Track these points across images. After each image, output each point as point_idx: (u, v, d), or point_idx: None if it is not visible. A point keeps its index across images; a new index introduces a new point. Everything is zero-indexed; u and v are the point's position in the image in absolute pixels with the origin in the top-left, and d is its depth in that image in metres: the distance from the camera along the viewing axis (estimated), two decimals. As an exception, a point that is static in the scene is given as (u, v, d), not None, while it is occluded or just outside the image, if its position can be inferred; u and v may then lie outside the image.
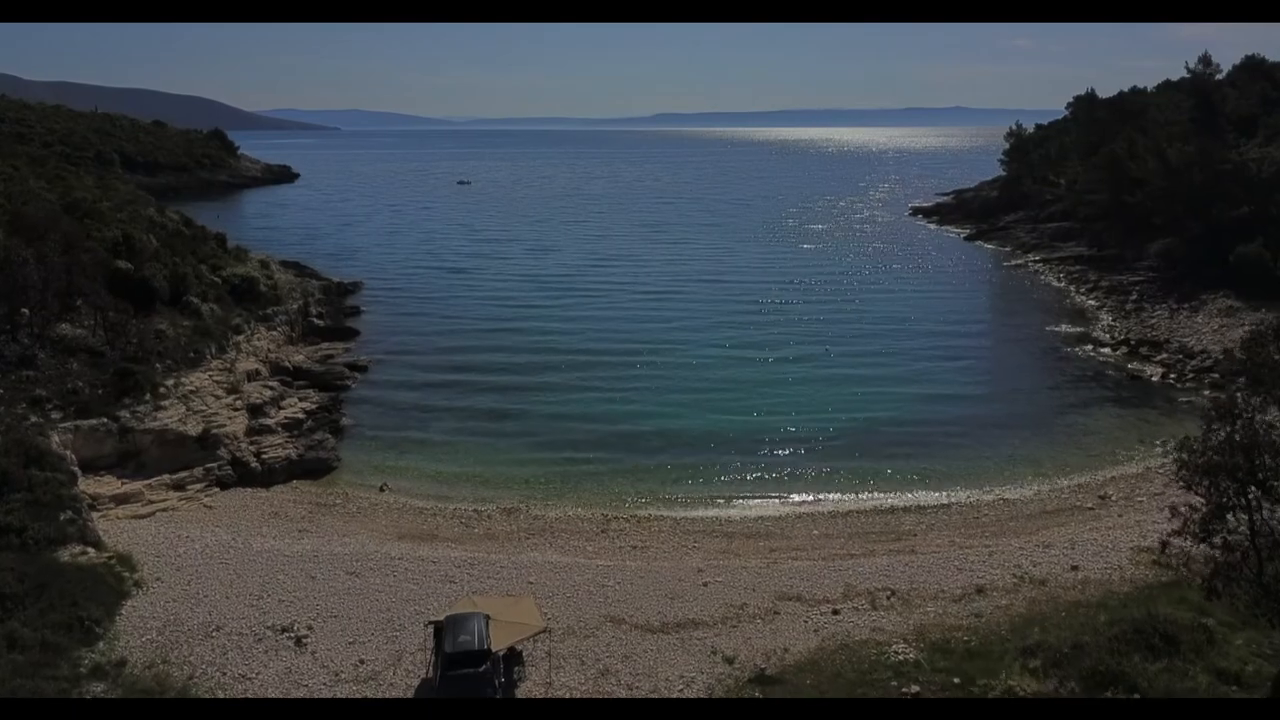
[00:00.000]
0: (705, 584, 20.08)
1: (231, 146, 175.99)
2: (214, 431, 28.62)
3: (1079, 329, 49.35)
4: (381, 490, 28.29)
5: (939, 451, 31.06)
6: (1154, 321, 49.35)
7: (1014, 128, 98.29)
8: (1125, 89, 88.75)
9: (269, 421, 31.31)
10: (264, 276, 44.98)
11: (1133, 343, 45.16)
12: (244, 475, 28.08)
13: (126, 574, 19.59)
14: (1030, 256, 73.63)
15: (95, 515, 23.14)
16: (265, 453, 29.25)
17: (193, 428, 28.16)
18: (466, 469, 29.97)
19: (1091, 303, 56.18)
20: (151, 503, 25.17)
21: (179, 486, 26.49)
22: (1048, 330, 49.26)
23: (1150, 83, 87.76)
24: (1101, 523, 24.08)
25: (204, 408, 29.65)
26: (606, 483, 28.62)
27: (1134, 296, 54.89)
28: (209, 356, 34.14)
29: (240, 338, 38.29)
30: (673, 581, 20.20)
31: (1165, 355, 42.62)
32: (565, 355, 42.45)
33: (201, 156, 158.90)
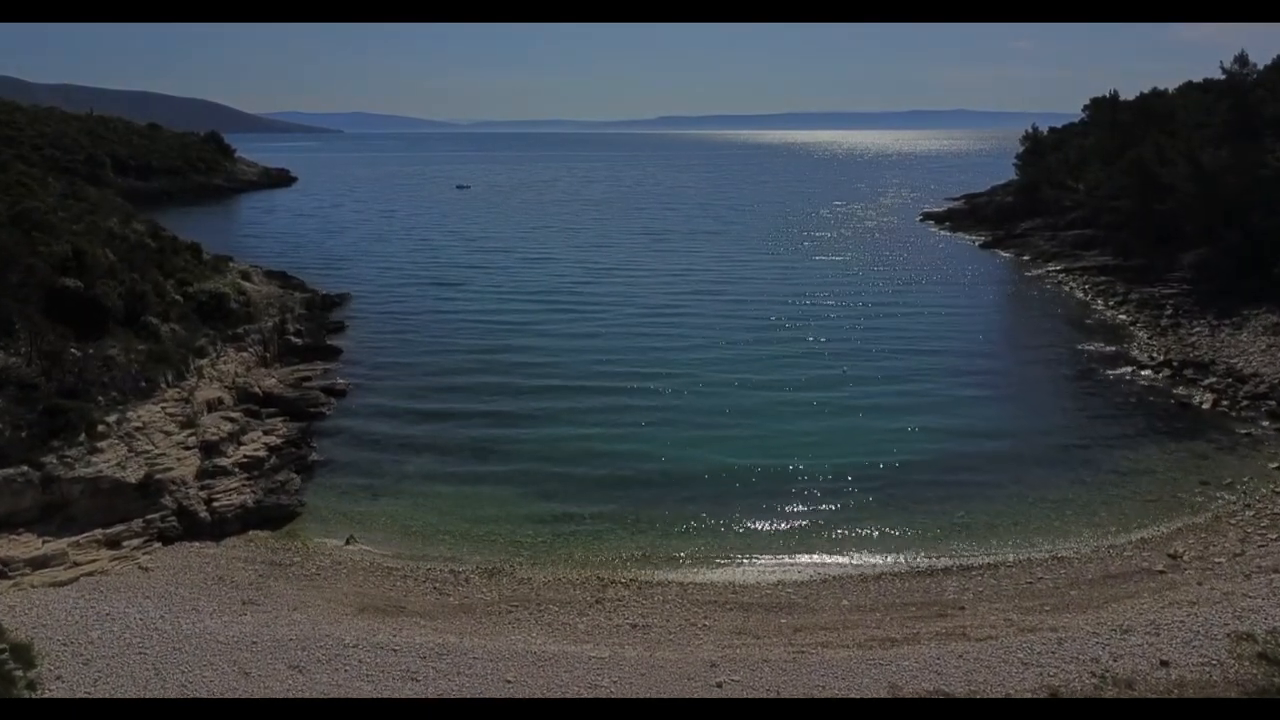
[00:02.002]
0: (719, 684, 16.64)
1: (228, 150, 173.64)
2: (158, 477, 25.20)
3: (1113, 348, 45.87)
4: (348, 543, 24.88)
5: (977, 497, 27.61)
6: (1194, 340, 45.87)
7: (1030, 130, 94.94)
8: (1125, 91, 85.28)
9: (225, 461, 27.83)
10: (236, 292, 41.62)
11: (1175, 364, 41.60)
12: (191, 527, 24.65)
13: (20, 672, 16.12)
14: (1050, 266, 70.20)
15: (4, 585, 19.83)
16: (217, 499, 25.80)
17: (133, 473, 24.75)
18: (446, 516, 26.54)
19: (1123, 317, 52.71)
20: (76, 565, 21.76)
21: (112, 544, 23.09)
22: (1080, 349, 45.79)
23: (1152, 85, 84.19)
24: (1180, 594, 20.62)
25: (149, 448, 26.23)
26: (604, 536, 25.19)
27: (1169, 311, 51.43)
28: (164, 385, 30.73)
29: (204, 361, 34.92)
30: (680, 680, 16.75)
31: (1214, 379, 39.05)
32: (559, 381, 38.92)
33: (196, 160, 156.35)
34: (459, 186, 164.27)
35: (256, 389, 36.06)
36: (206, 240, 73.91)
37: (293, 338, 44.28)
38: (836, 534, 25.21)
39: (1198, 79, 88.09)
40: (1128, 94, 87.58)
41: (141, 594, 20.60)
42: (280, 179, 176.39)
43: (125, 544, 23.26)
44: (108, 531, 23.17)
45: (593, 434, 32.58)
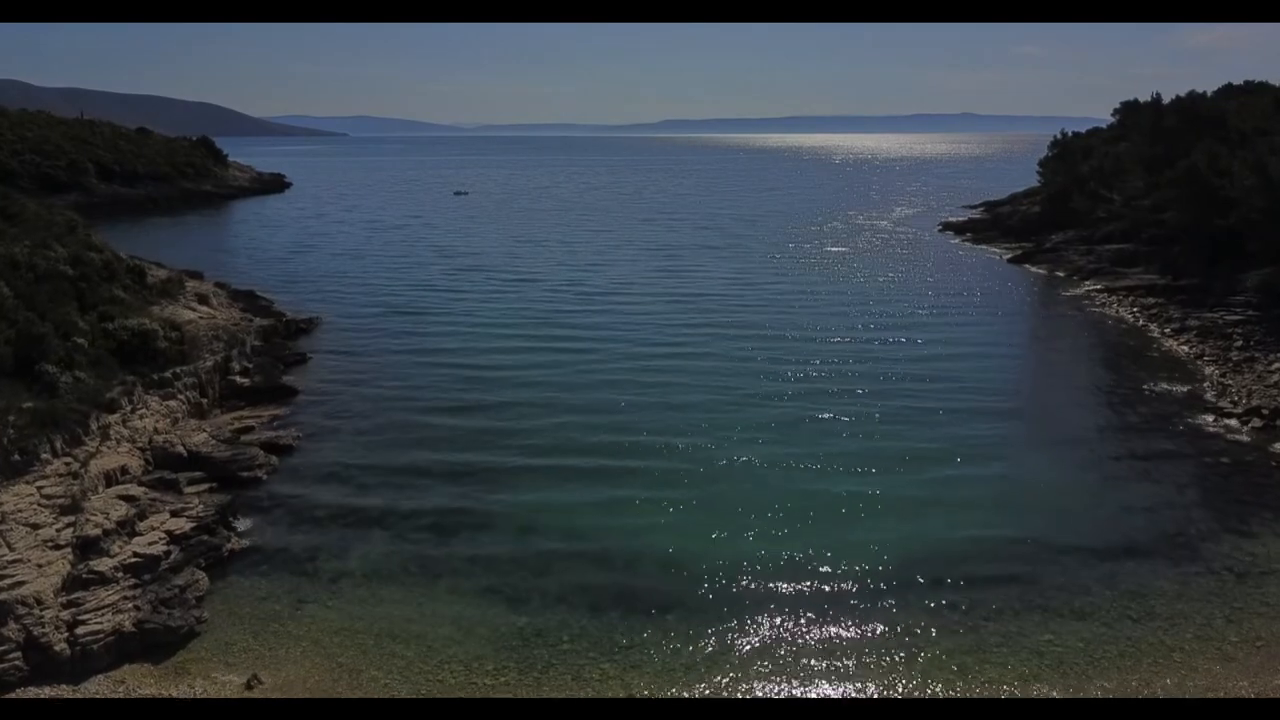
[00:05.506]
0: None
1: (220, 155, 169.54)
2: (2, 597, 19.39)
3: (1182, 388, 39.86)
4: (249, 686, 18.97)
5: (1062, 608, 21.64)
6: (1276, 378, 39.83)
7: (1059, 135, 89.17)
8: (1135, 94, 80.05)
9: (106, 564, 21.90)
10: (167, 328, 35.79)
11: (1265, 413, 35.48)
12: (42, 666, 18.72)
13: None
14: (1089, 285, 64.33)
15: None
16: (85, 622, 19.87)
17: (-34, 594, 18.96)
18: (385, 639, 20.60)
19: (1184, 348, 46.66)
20: None
21: (-77, 699, 17.31)
22: (1144, 390, 39.75)
23: (1155, 89, 79.57)
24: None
25: (1, 551, 20.42)
26: (584, 671, 19.23)
27: (1238, 342, 45.43)
28: (48, 456, 24.95)
29: (114, 418, 29.10)
30: None
31: (1317, 434, 33.07)
32: (544, 445, 32.18)
33: (185, 166, 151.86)
34: (457, 193, 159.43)
35: (180, 448, 30.22)
36: (178, 253, 68.84)
37: (238, 378, 38.51)
38: (890, 673, 19.19)
39: (1205, 82, 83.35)
40: (1137, 98, 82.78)
41: (-72, 798, 14.75)
42: (274, 184, 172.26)
43: (-58, 698, 17.43)
44: (-82, 682, 17.34)
45: (577, 515, 26.55)
